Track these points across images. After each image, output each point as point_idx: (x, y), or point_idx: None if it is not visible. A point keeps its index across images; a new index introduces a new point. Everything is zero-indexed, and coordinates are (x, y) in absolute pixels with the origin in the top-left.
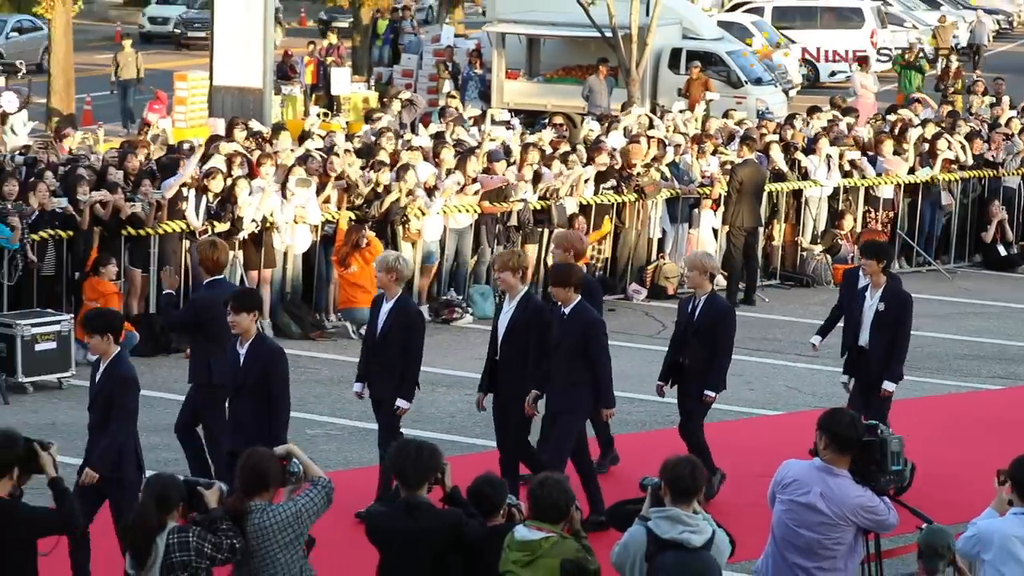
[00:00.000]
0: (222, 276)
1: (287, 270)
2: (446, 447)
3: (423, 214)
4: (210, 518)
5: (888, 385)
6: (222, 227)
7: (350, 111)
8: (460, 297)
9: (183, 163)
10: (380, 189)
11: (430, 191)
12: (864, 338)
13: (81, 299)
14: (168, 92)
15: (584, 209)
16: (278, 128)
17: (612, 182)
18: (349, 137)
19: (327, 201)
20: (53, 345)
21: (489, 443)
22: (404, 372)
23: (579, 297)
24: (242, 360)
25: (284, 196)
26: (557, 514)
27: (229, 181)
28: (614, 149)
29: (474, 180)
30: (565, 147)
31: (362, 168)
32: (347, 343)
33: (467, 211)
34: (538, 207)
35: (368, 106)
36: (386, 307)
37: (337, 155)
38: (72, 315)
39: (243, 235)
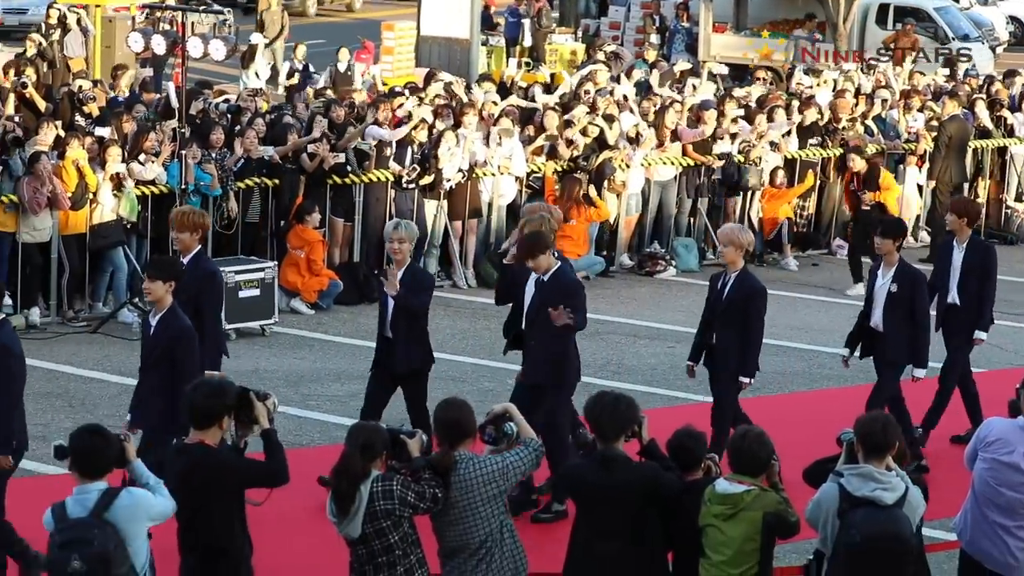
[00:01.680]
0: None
1: (491, 220)
2: (646, 399)
3: (627, 166)
4: (413, 467)
5: (980, 334)
6: (427, 178)
7: (556, 62)
8: (663, 250)
9: (389, 123)
10: (588, 141)
11: (632, 142)
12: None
13: (285, 247)
14: (375, 41)
15: (789, 163)
16: (483, 78)
17: (818, 137)
18: (551, 89)
19: (537, 153)
20: (256, 292)
21: (690, 396)
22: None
23: (559, 263)
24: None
25: (488, 147)
26: (758, 467)
27: (435, 132)
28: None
29: (673, 132)
30: (776, 101)
31: (566, 121)
32: None
33: (671, 163)
34: (741, 160)
35: (575, 58)
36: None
37: (549, 108)
38: (276, 263)
39: (448, 185)
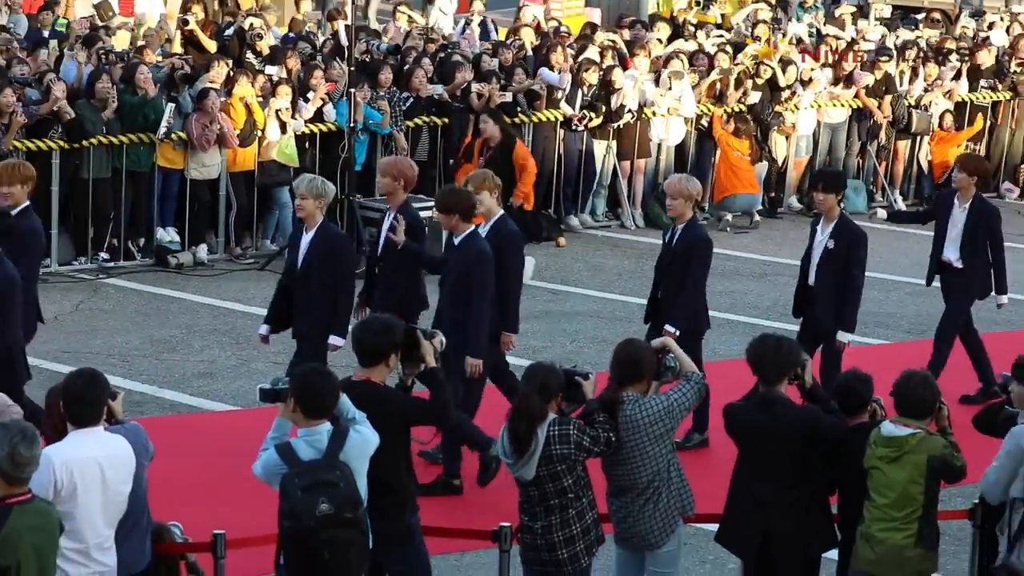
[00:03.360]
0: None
1: (660, 161)
2: None
3: (796, 109)
4: (587, 410)
5: (1003, 298)
6: (597, 119)
7: (726, 3)
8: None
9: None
10: (760, 82)
11: (804, 84)
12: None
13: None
14: None
15: (959, 107)
16: (654, 19)
17: (989, 80)
18: (723, 28)
19: (709, 96)
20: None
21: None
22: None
23: (471, 226)
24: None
25: (658, 87)
26: (924, 409)
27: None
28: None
29: (848, 76)
30: (947, 44)
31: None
32: (716, 235)
33: (842, 106)
34: (911, 104)
35: None
36: (308, 236)
37: (720, 49)
38: None
39: (618, 124)
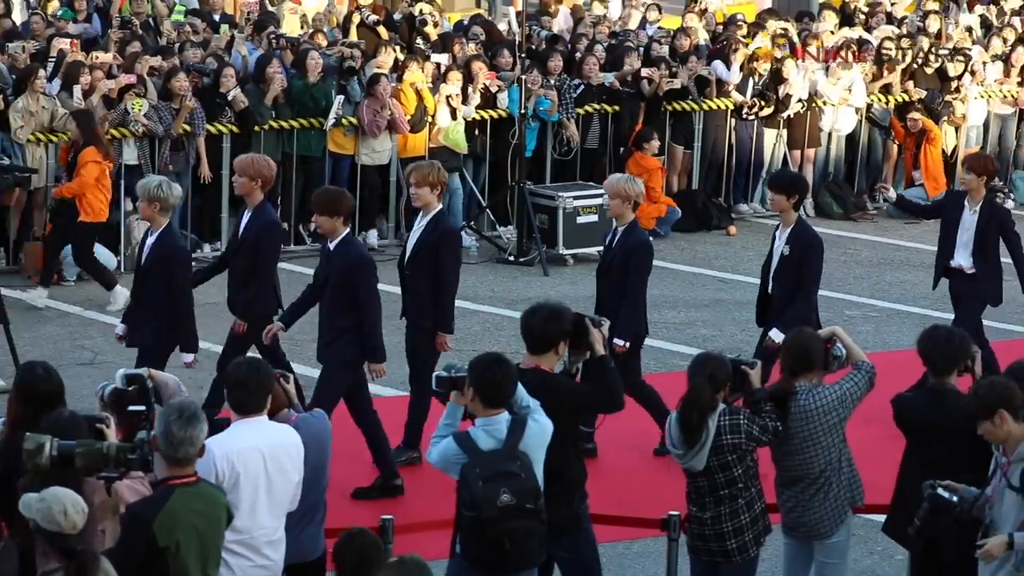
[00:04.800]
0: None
1: (831, 150)
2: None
3: (965, 100)
4: (754, 399)
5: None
6: (768, 108)
7: None
8: (1001, 182)
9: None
10: (929, 73)
11: (973, 75)
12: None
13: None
14: None
15: None
16: (823, 7)
17: None
18: (893, 18)
19: (884, 89)
20: (595, 218)
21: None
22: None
23: (347, 230)
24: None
25: (828, 77)
26: None
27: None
28: None
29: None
30: None
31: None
32: (887, 224)
33: (1011, 97)
34: None
35: None
36: (150, 240)
37: (888, 39)
38: None
39: (787, 114)
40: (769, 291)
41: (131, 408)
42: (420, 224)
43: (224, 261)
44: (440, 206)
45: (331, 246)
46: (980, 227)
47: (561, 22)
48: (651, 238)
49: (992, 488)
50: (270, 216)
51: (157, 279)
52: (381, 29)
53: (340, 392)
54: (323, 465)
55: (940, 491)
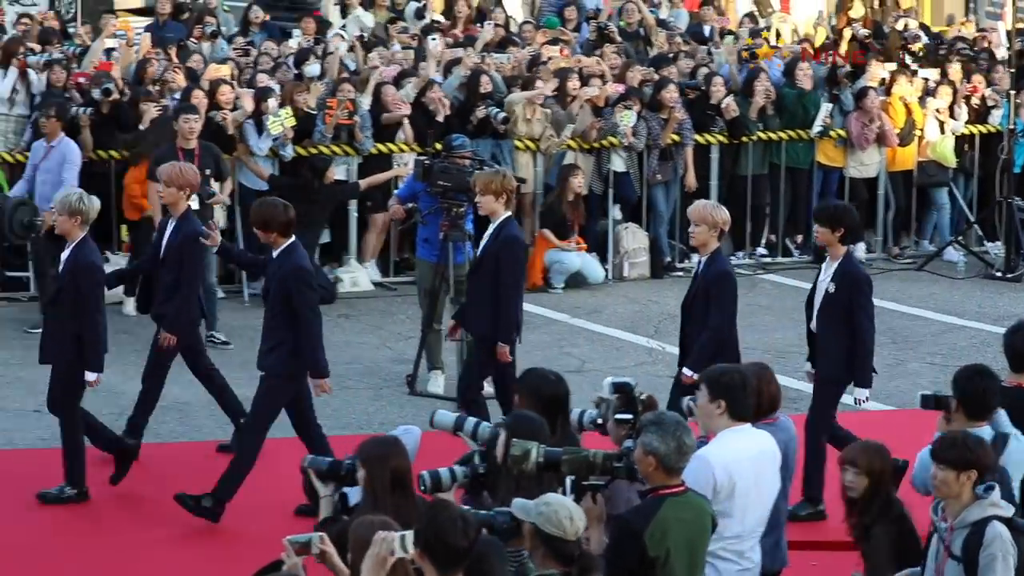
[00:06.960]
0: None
1: None
2: None
3: None
4: None
5: None
6: None
7: None
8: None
9: None
10: None
11: None
12: None
13: None
14: None
15: None
16: None
17: None
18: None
19: None
20: None
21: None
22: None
23: (290, 239)
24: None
25: None
26: None
27: None
28: None
29: None
30: None
31: None
32: None
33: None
34: None
35: None
36: (64, 254)
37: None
38: None
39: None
40: (812, 329)
41: (618, 417)
42: (487, 232)
43: (141, 270)
44: (507, 213)
45: (273, 255)
46: None
47: None
48: None
49: (931, 554)
50: (194, 226)
51: (67, 295)
52: (870, 43)
53: (277, 404)
54: (788, 469)
55: None
